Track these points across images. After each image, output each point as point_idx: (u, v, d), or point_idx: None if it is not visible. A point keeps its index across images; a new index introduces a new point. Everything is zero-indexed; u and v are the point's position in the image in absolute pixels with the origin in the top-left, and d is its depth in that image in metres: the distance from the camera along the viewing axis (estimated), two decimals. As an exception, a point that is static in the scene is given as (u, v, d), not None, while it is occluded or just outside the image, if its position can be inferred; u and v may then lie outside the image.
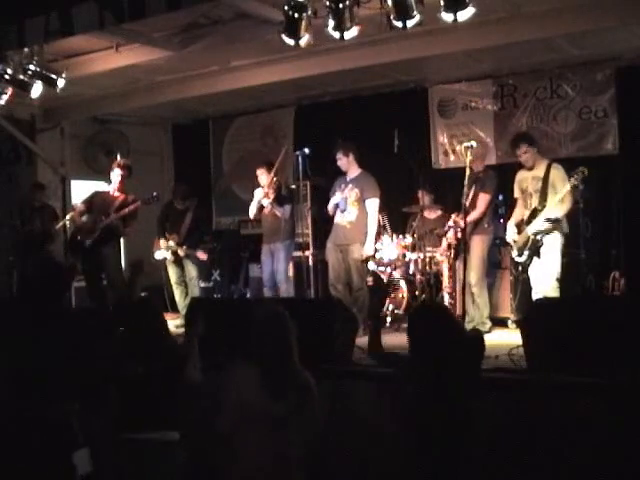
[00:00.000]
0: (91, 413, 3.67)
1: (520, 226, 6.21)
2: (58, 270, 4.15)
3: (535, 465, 3.93)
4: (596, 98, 7.80)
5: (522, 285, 6.87)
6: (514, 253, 6.27)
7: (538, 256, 6.05)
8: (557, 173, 6.00)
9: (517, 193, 6.38)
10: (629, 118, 7.60)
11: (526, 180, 6.21)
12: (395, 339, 6.32)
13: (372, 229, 6.77)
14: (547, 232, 5.98)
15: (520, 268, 6.30)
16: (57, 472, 3.55)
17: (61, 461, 3.53)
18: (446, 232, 7.03)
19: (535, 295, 5.99)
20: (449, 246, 6.94)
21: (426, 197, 7.94)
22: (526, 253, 6.11)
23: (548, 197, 5.96)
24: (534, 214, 6.06)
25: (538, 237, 6.01)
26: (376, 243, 7.80)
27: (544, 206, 5.97)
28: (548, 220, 5.89)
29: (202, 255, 7.81)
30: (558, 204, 5.87)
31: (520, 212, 6.31)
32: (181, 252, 7.70)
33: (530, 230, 6.05)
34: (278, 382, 3.38)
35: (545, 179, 6.03)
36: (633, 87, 7.54)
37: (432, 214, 7.87)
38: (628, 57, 7.51)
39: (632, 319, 4.11)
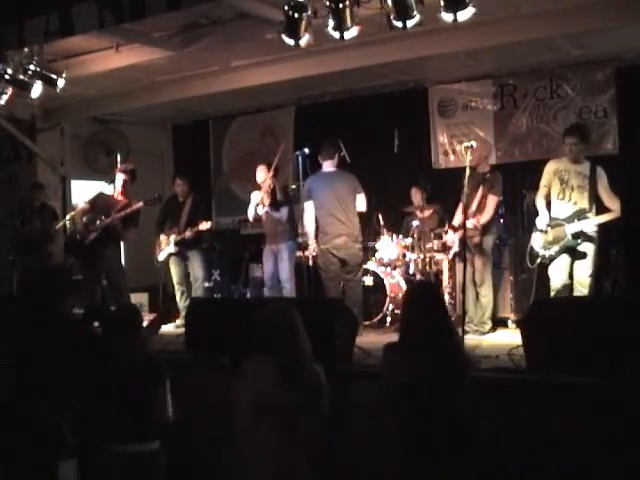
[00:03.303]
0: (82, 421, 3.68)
1: (551, 218, 5.95)
2: (60, 272, 4.15)
3: (535, 465, 3.93)
4: (596, 98, 7.81)
5: (524, 285, 6.87)
6: (537, 244, 5.99)
7: (572, 258, 5.86)
8: (600, 174, 5.83)
9: (548, 181, 6.06)
10: (629, 118, 7.55)
11: (568, 172, 5.94)
12: (395, 339, 6.32)
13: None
14: (587, 239, 5.79)
15: (538, 261, 5.98)
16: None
17: (46, 469, 3.53)
18: (446, 232, 7.03)
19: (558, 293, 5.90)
20: (449, 247, 6.91)
21: (418, 195, 7.98)
22: (554, 249, 5.86)
23: (607, 201, 5.77)
24: (579, 214, 5.82)
25: (578, 241, 5.80)
26: (375, 243, 7.86)
27: (595, 213, 5.79)
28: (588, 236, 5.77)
29: (205, 225, 7.59)
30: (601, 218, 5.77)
31: (543, 199, 6.05)
32: (188, 233, 7.53)
33: (570, 229, 5.80)
34: (292, 377, 3.46)
35: (592, 180, 5.82)
36: (633, 87, 7.46)
37: (425, 212, 7.88)
38: (628, 57, 7.50)
39: (632, 319, 4.10)
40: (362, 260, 7.15)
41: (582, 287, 5.83)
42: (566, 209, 5.93)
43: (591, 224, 5.81)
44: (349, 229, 6.78)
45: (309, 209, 6.91)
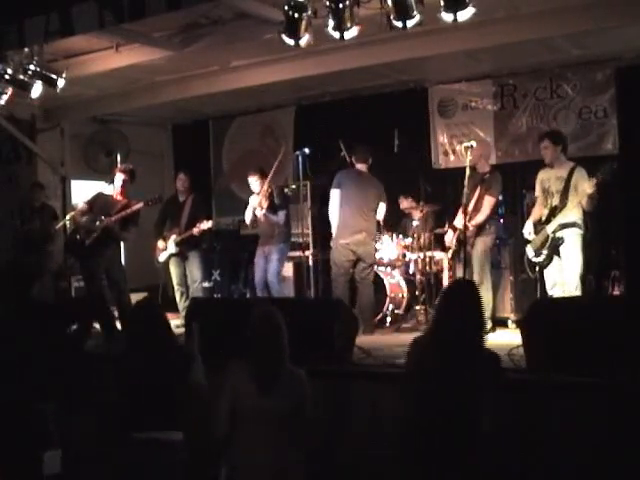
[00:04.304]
0: (69, 414, 3.69)
1: (537, 225, 6.11)
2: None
3: (535, 465, 3.93)
4: (596, 98, 7.81)
5: (524, 285, 6.88)
6: (530, 253, 6.15)
7: (558, 255, 5.97)
8: (580, 175, 5.90)
9: (538, 192, 6.25)
10: (629, 118, 7.60)
11: (549, 179, 6.11)
12: (395, 339, 6.34)
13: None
14: (565, 227, 5.90)
15: (537, 268, 6.14)
16: (24, 469, 3.57)
17: (31, 458, 3.55)
18: (446, 232, 7.03)
19: (556, 293, 5.96)
20: (449, 247, 6.91)
21: (405, 202, 8.09)
22: (544, 253, 6.01)
23: (569, 197, 5.88)
24: (553, 212, 5.96)
25: (558, 235, 5.92)
26: (376, 243, 7.86)
27: (565, 205, 5.89)
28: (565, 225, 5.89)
29: (206, 223, 7.56)
30: (577, 205, 5.82)
31: (539, 211, 6.20)
32: (196, 229, 7.51)
33: (549, 229, 5.95)
34: (272, 380, 3.44)
35: (568, 180, 5.94)
36: (633, 87, 7.54)
37: (424, 211, 7.88)
38: (628, 57, 7.51)
39: (632, 319, 4.11)
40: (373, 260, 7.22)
41: (572, 277, 5.88)
42: (546, 213, 6.07)
43: (565, 214, 5.89)
44: (368, 227, 6.97)
45: (335, 197, 6.99)
